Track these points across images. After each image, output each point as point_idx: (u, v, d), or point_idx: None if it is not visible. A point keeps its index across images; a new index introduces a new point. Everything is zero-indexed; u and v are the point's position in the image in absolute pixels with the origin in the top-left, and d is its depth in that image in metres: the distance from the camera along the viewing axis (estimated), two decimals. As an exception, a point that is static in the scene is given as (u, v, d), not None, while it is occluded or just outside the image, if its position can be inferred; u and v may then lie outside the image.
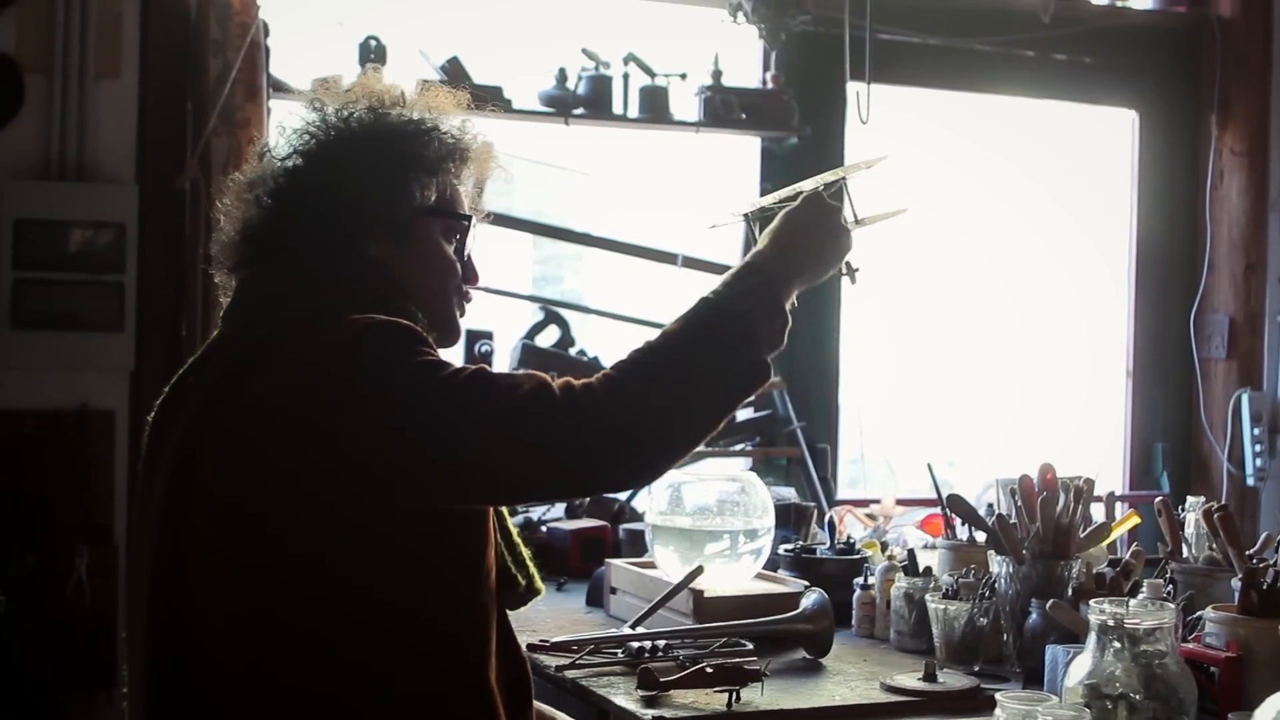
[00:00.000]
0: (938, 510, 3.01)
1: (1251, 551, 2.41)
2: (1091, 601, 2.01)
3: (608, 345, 4.25)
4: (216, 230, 2.07)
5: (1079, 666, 1.96)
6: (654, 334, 1.86)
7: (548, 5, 4.26)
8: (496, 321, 3.97)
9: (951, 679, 2.37)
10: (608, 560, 3.00)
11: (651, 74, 4.16)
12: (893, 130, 4.49)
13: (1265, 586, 2.15)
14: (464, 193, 2.08)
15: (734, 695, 2.22)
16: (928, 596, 2.59)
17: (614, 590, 2.92)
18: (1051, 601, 2.34)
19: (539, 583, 2.12)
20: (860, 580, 2.85)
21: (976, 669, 2.47)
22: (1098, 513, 2.74)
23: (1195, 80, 4.95)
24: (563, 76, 4.08)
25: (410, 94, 2.07)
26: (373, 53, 3.83)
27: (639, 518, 3.71)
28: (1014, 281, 5.14)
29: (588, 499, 3.54)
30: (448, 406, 1.77)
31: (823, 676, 2.46)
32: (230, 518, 1.81)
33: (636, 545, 3.21)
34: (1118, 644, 1.93)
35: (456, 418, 1.76)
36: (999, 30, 4.64)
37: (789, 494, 3.62)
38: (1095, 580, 2.45)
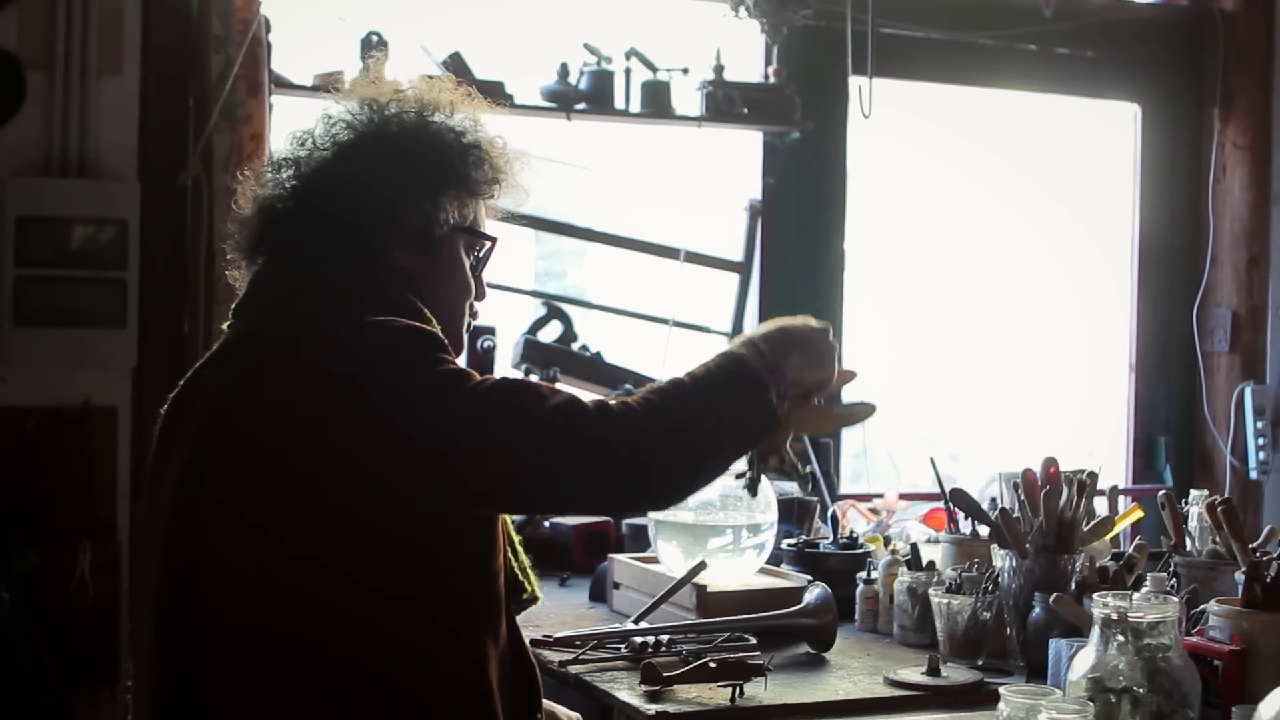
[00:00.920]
0: (941, 504, 3.01)
1: (1255, 545, 2.41)
2: (1095, 595, 2.01)
3: (610, 341, 4.24)
4: (235, 206, 2.05)
5: (1082, 660, 1.96)
6: (681, 373, 1.90)
7: (550, 2, 4.26)
8: (499, 317, 3.96)
9: (955, 673, 2.38)
10: (611, 555, 3.00)
11: (653, 69, 4.15)
12: (894, 124, 4.49)
13: (1269, 579, 2.15)
14: (489, 211, 2.09)
15: (737, 690, 2.23)
16: (931, 591, 2.60)
17: (617, 585, 2.92)
18: (1055, 595, 2.34)
19: (538, 590, 2.14)
20: (863, 575, 2.85)
21: (980, 663, 2.48)
22: (1101, 506, 2.74)
23: (1197, 74, 4.95)
24: (564, 71, 4.08)
25: (456, 99, 2.05)
26: (374, 48, 3.82)
27: (642, 513, 3.71)
28: (1016, 275, 5.13)
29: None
30: (479, 419, 1.77)
31: (826, 671, 2.46)
32: (241, 523, 1.80)
33: (639, 540, 3.22)
34: (1121, 638, 1.93)
35: (489, 430, 1.77)
36: (1001, 24, 4.63)
37: (792, 489, 3.62)
38: (1098, 574, 2.45)
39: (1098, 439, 5.06)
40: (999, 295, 5.12)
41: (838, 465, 4.43)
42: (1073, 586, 2.43)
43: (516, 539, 2.10)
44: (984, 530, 2.73)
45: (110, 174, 3.52)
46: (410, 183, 1.97)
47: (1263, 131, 4.81)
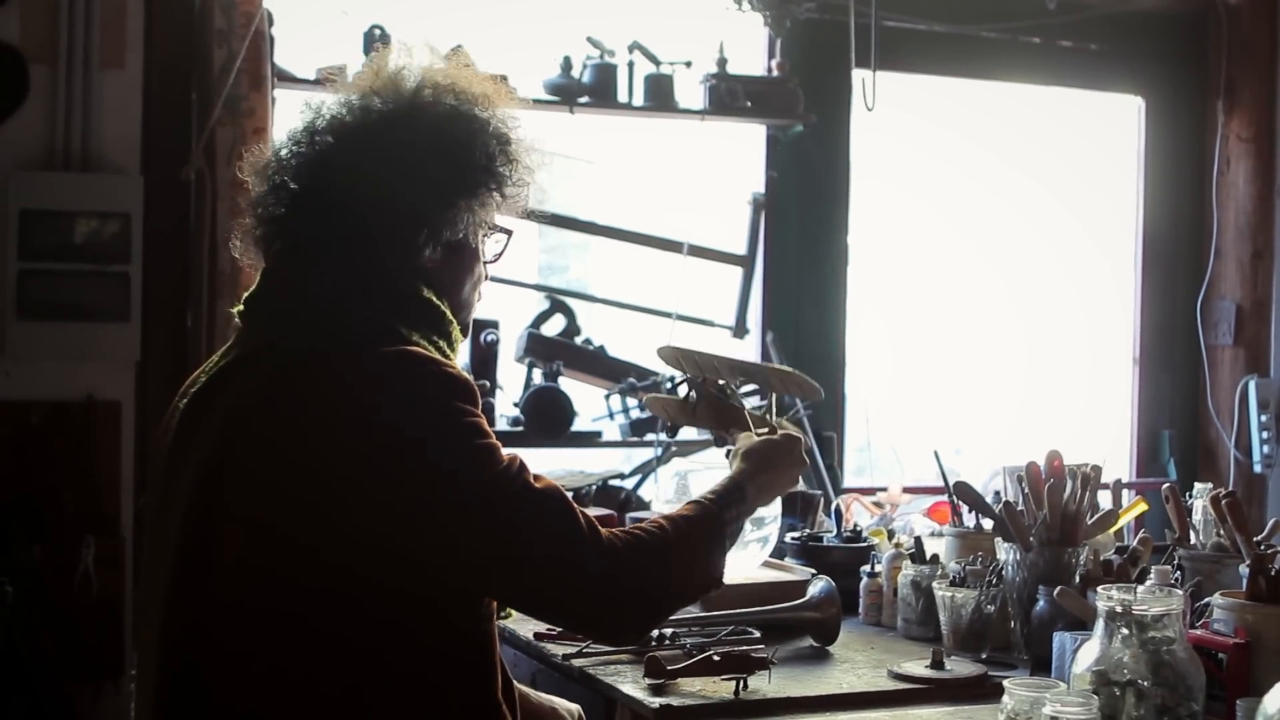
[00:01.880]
0: (945, 498, 3.01)
1: (1259, 538, 2.41)
2: (1099, 588, 2.00)
3: (613, 334, 4.24)
4: (249, 179, 2.00)
5: (1087, 653, 1.96)
6: (666, 519, 2.00)
7: (554, 2, 4.25)
8: (502, 310, 3.97)
9: (959, 666, 2.37)
10: (614, 549, 2.99)
11: (656, 62, 4.15)
12: (898, 118, 4.49)
13: (1273, 572, 2.14)
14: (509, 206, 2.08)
15: (741, 683, 2.23)
16: (935, 584, 2.59)
17: (621, 579, 2.91)
18: (1059, 588, 2.34)
19: None
20: (867, 568, 2.85)
21: (984, 656, 2.47)
22: (1105, 500, 2.73)
23: (1201, 66, 4.94)
24: (568, 65, 4.07)
25: (489, 93, 2.02)
26: (377, 42, 3.82)
27: (645, 506, 3.71)
28: (1020, 269, 5.13)
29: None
30: (508, 510, 1.80)
31: (830, 664, 2.46)
32: (256, 525, 1.80)
33: (643, 534, 3.20)
34: (1125, 631, 1.93)
35: (510, 527, 1.80)
36: (1005, 17, 4.63)
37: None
38: (1103, 567, 2.45)
39: (1102, 432, 5.06)
40: (1002, 289, 5.12)
41: (842, 459, 4.44)
42: (1077, 580, 2.43)
43: None
44: (988, 524, 2.72)
45: (113, 168, 3.52)
46: (444, 185, 1.94)
47: (1267, 124, 4.80)
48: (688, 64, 4.18)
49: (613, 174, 4.89)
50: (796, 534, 3.06)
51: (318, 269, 1.92)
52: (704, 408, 2.44)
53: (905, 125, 4.67)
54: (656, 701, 2.17)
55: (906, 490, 4.08)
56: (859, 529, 3.16)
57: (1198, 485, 2.80)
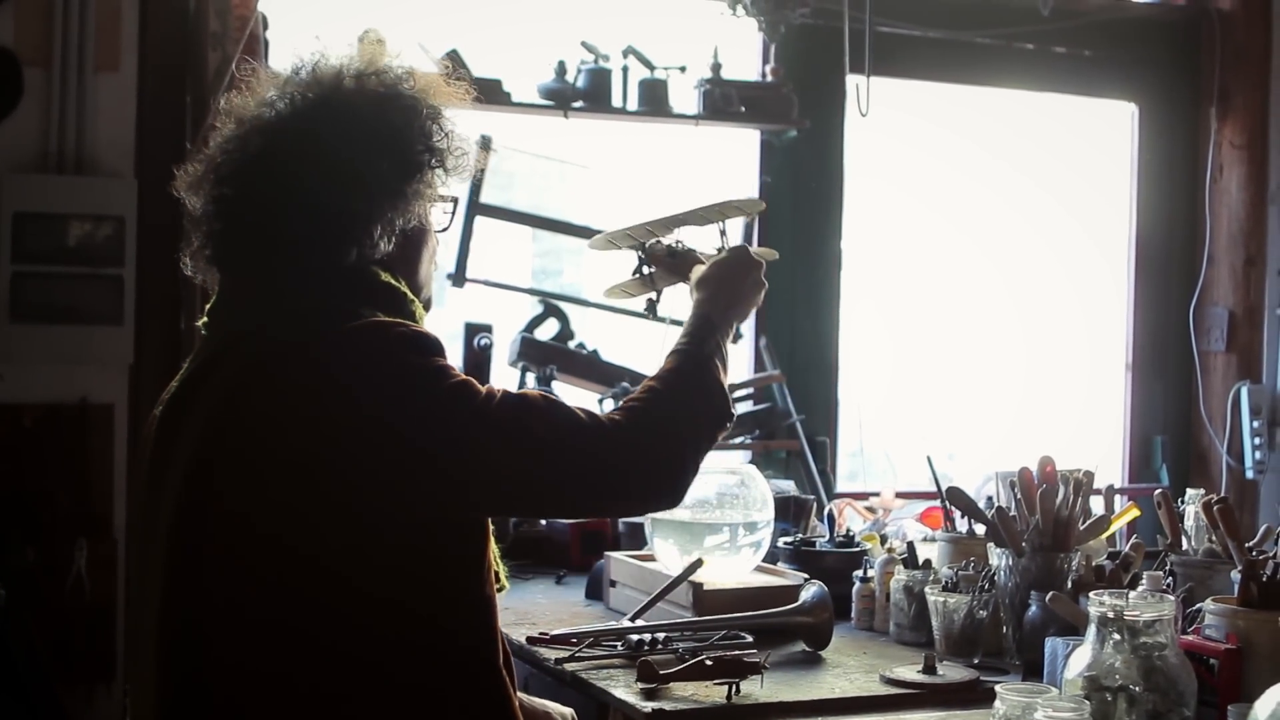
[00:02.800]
0: (937, 503, 3.01)
1: (1251, 544, 2.41)
2: (1091, 594, 2.01)
3: (607, 338, 4.24)
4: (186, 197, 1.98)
5: (1078, 659, 1.96)
6: (653, 379, 2.05)
7: (548, 3, 4.25)
8: (496, 315, 3.96)
9: (951, 671, 2.38)
10: (607, 553, 3.00)
11: (651, 67, 4.15)
12: (891, 123, 4.49)
13: (1265, 578, 2.15)
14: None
15: (734, 688, 2.23)
16: (927, 589, 2.60)
17: (613, 583, 2.92)
18: (1051, 594, 2.34)
19: (505, 580, 2.15)
20: (860, 573, 2.85)
21: (976, 661, 2.48)
22: (1097, 505, 2.74)
23: (1195, 73, 4.95)
24: (562, 69, 4.08)
25: (409, 72, 2.00)
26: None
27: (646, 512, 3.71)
28: (1013, 275, 5.13)
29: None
30: (486, 432, 1.82)
31: (822, 669, 2.46)
32: (246, 523, 1.80)
33: (636, 538, 3.21)
34: (1117, 636, 1.93)
35: (499, 444, 1.82)
36: (998, 23, 4.63)
37: (788, 487, 3.63)
38: (1095, 573, 2.45)
39: (1094, 438, 5.06)
40: (996, 294, 5.12)
41: (834, 464, 4.44)
42: (1069, 585, 2.43)
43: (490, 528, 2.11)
44: (980, 529, 2.73)
45: (107, 171, 3.52)
46: (389, 178, 1.92)
47: (1260, 131, 4.81)
48: (682, 69, 4.18)
49: (607, 178, 4.89)
50: (789, 539, 3.06)
51: (277, 267, 1.92)
52: (660, 271, 2.47)
53: (899, 127, 4.67)
54: (649, 706, 2.17)
55: (899, 495, 4.09)
56: (852, 534, 3.16)
57: (1190, 491, 2.81)
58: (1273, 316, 4.77)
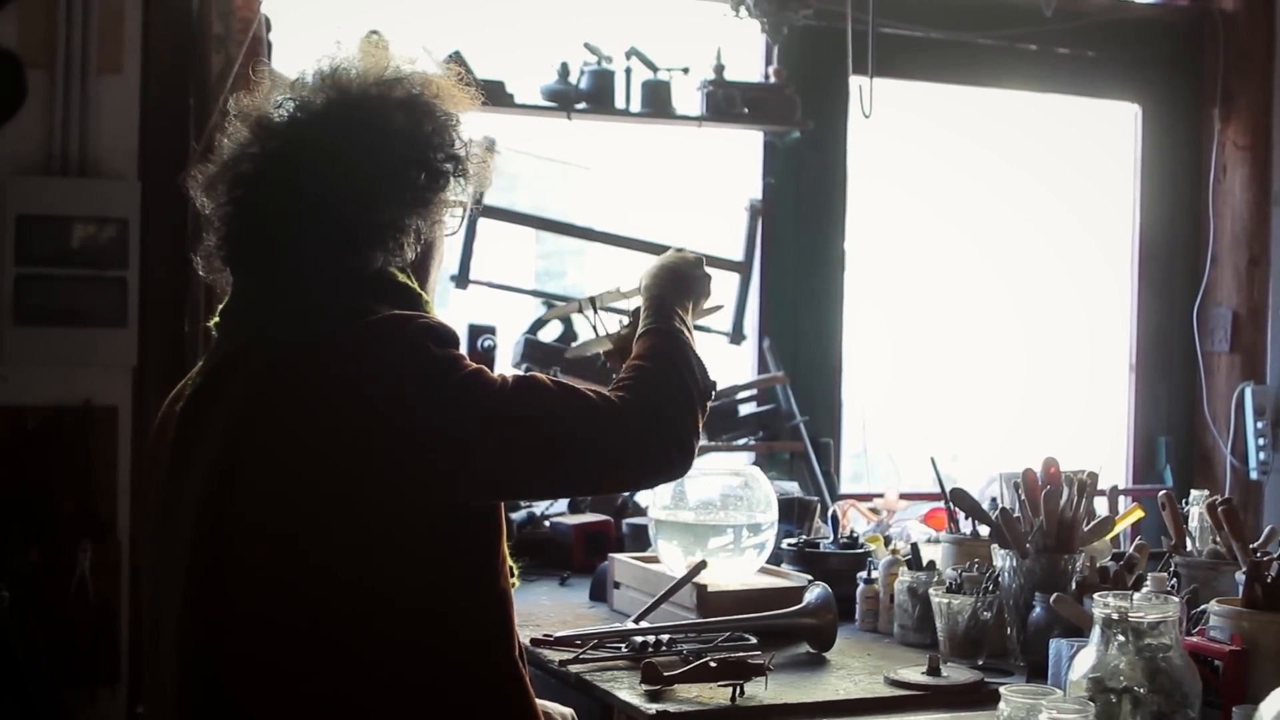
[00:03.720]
0: (941, 504, 3.01)
1: (1255, 545, 2.41)
2: (1095, 595, 2.01)
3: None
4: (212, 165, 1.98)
5: (1083, 660, 1.96)
6: (637, 358, 2.07)
7: (550, 3, 4.26)
8: (499, 316, 3.97)
9: (955, 673, 2.38)
10: (611, 555, 3.00)
11: (654, 68, 4.15)
12: (894, 124, 4.49)
13: (1269, 580, 2.15)
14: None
15: (738, 689, 2.23)
16: (931, 590, 2.59)
17: (617, 585, 2.92)
18: (1055, 595, 2.34)
19: (517, 578, 2.15)
20: (864, 574, 2.85)
21: (980, 663, 2.48)
22: (1101, 507, 2.74)
23: (1198, 74, 4.95)
24: (565, 71, 4.08)
25: (434, 81, 2.01)
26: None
27: (642, 512, 3.71)
28: (1016, 275, 5.14)
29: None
30: (503, 418, 1.85)
31: (826, 671, 2.46)
32: (269, 530, 1.80)
33: (640, 540, 3.22)
34: (1122, 638, 1.93)
35: (517, 430, 1.86)
36: (1001, 24, 4.63)
37: (792, 488, 3.62)
38: (1099, 574, 2.45)
39: (1098, 439, 5.06)
40: (999, 295, 5.12)
41: (838, 465, 4.44)
42: (1073, 586, 2.43)
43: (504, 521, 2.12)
44: (984, 530, 2.73)
45: (111, 173, 3.53)
46: (422, 188, 1.94)
47: (1263, 131, 4.81)
48: (685, 70, 4.18)
49: (610, 180, 4.89)
50: (793, 540, 3.06)
51: (292, 270, 1.91)
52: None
53: (902, 133, 4.67)
54: (653, 708, 2.17)
55: (903, 496, 4.09)
56: (855, 535, 3.16)
57: (1194, 492, 2.81)
58: (1277, 317, 4.76)
